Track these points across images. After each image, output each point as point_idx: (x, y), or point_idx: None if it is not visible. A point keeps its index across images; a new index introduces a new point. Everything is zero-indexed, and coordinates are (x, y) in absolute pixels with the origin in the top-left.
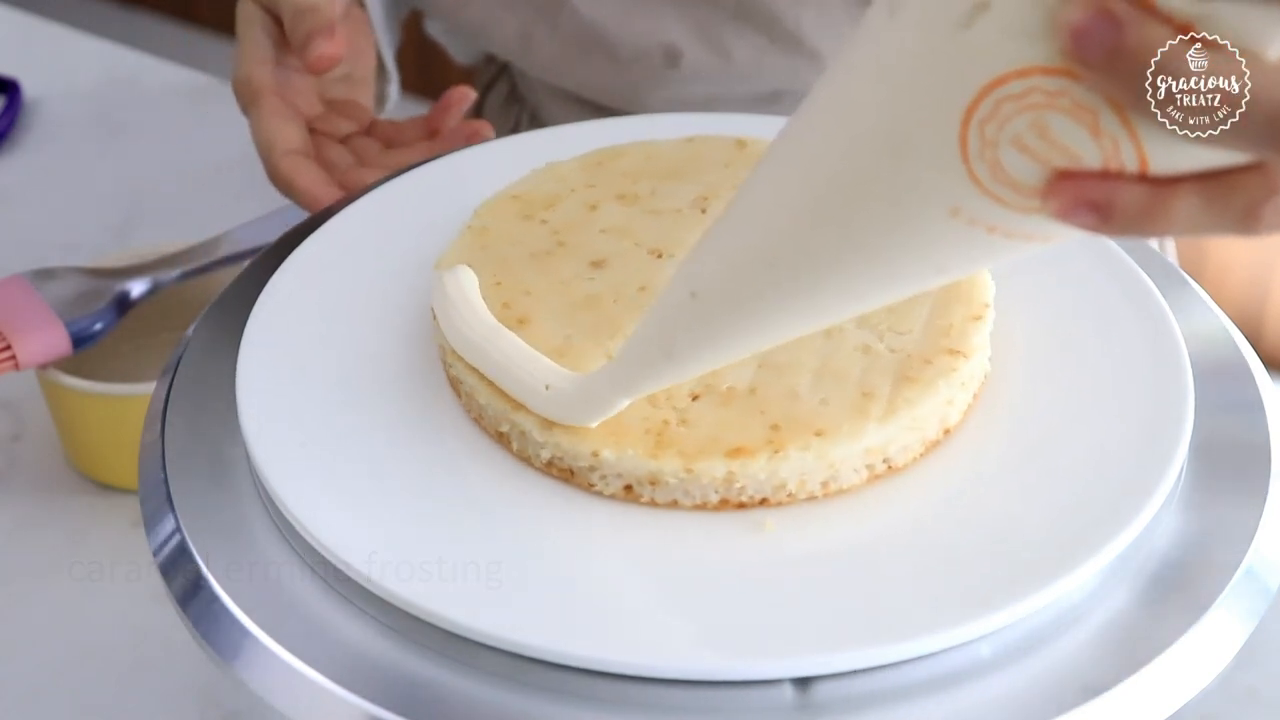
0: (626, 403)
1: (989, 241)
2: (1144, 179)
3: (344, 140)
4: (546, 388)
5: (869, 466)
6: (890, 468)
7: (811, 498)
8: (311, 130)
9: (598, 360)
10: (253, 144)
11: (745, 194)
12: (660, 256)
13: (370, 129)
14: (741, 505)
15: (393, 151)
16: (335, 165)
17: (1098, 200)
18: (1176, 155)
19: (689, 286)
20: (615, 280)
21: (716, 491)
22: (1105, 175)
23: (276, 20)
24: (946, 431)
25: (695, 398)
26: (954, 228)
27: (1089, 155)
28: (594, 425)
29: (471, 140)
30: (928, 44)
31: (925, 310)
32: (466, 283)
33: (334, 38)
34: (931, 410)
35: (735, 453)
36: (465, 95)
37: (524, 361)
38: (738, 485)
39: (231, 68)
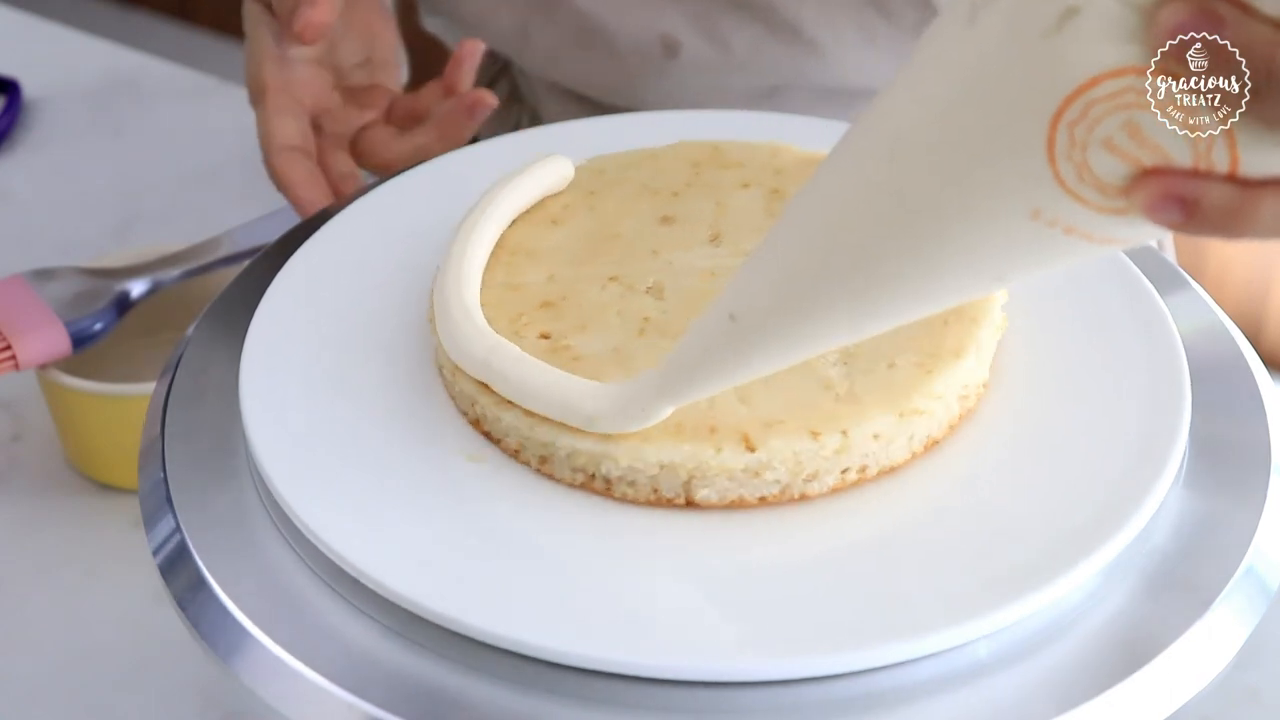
0: (670, 410)
1: (1064, 244)
2: (1233, 179)
3: (357, 134)
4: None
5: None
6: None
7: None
8: (320, 129)
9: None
10: (255, 144)
11: (801, 204)
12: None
13: (391, 110)
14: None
15: (404, 137)
16: (332, 169)
17: (1185, 196)
18: (1270, 156)
19: (746, 293)
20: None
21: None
22: (1194, 173)
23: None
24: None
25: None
26: (1032, 230)
27: (1180, 154)
28: (634, 430)
29: (474, 111)
30: (1013, 50)
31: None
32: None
33: (318, 4)
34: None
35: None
36: (476, 47)
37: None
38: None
39: (244, 68)
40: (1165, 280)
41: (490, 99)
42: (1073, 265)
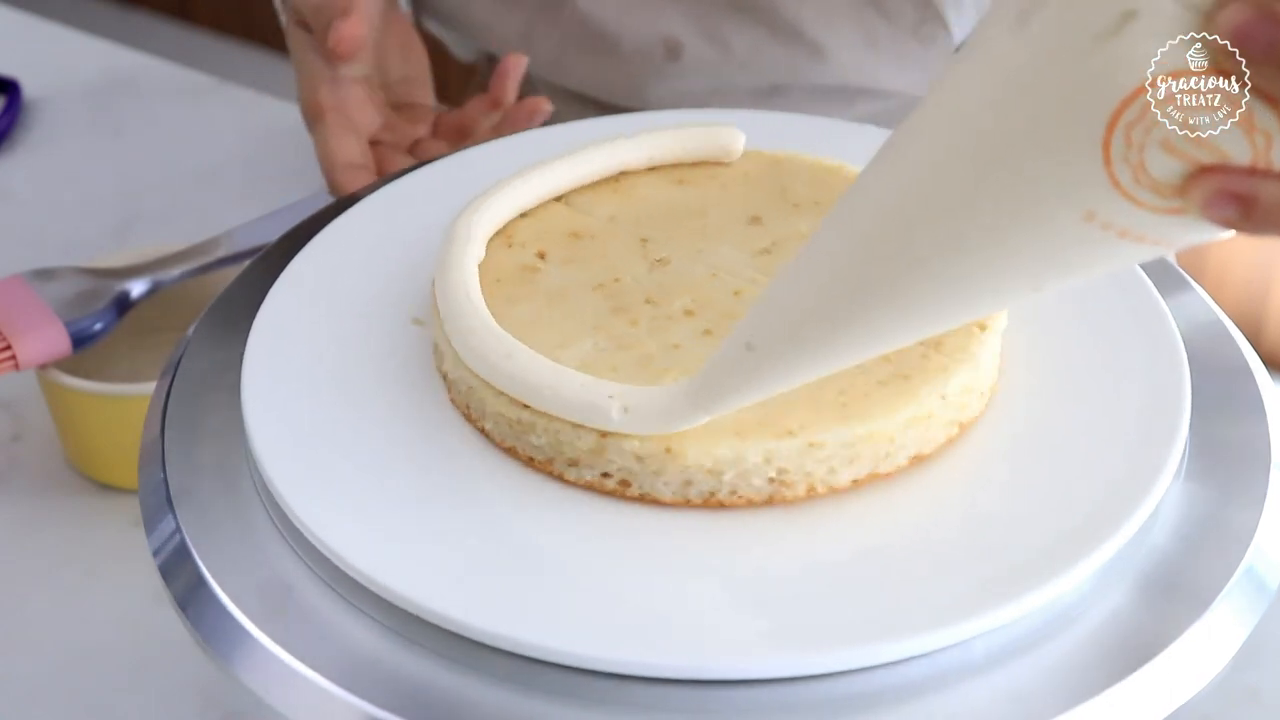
0: (707, 419)
1: (1116, 246)
2: None
3: (412, 147)
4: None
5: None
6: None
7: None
8: (377, 143)
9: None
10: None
11: (838, 216)
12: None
13: (437, 125)
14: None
15: (460, 143)
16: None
17: (1242, 193)
18: None
19: (786, 303)
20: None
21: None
22: (1252, 171)
23: None
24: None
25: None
26: (1084, 232)
27: (1239, 152)
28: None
29: (533, 117)
30: (1068, 54)
31: None
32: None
33: (350, 16)
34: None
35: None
36: (519, 62)
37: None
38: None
39: (297, 98)
40: (1165, 280)
41: (546, 105)
42: (1121, 267)
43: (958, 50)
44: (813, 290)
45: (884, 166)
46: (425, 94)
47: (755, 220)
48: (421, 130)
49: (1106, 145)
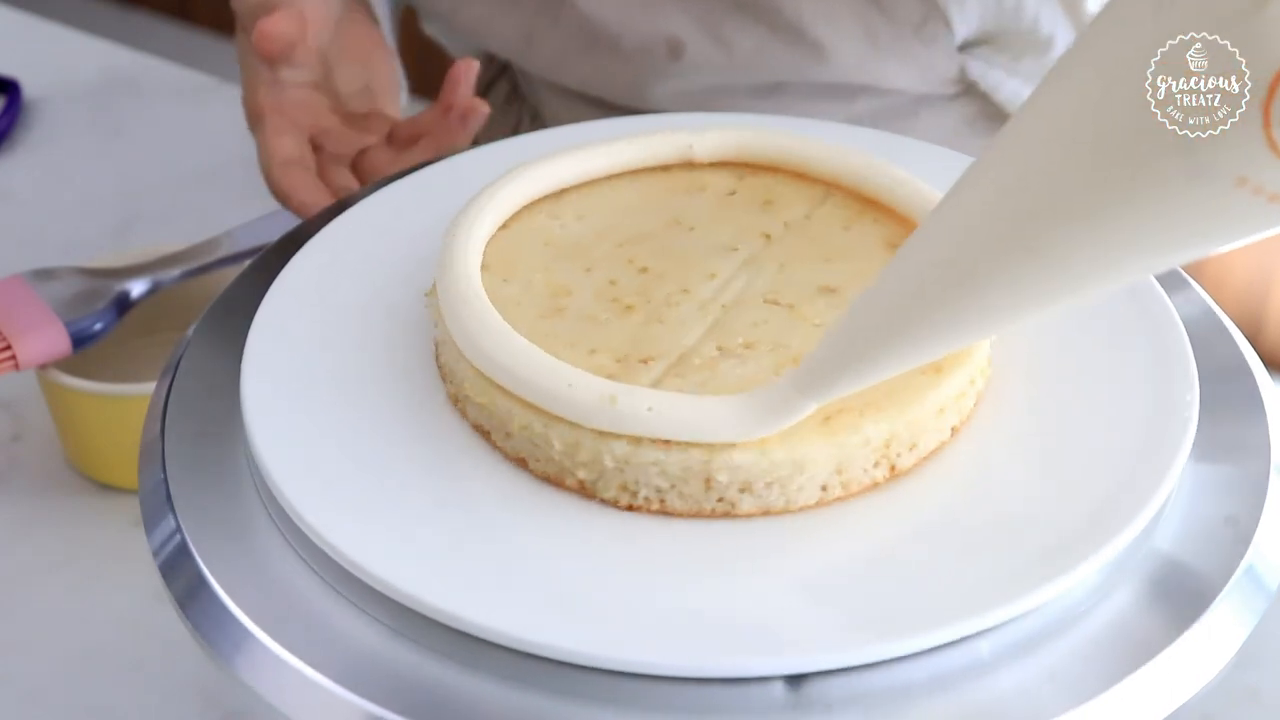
0: (815, 408)
1: (1266, 212)
2: None
3: (358, 156)
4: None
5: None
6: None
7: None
8: (320, 149)
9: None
10: (254, 144)
11: (967, 189)
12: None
13: (390, 134)
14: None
15: (402, 155)
16: (333, 183)
17: None
18: None
19: (907, 286)
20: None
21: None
22: None
23: None
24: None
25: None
26: (1235, 198)
27: None
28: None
29: (466, 119)
30: (1218, 26)
31: None
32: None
33: (273, 13)
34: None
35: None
36: (470, 66)
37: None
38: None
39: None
40: (1165, 280)
41: (483, 107)
42: (1263, 234)
43: (1074, 45)
44: (932, 270)
45: (1010, 143)
46: (390, 103)
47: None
48: (370, 139)
49: (1267, 110)
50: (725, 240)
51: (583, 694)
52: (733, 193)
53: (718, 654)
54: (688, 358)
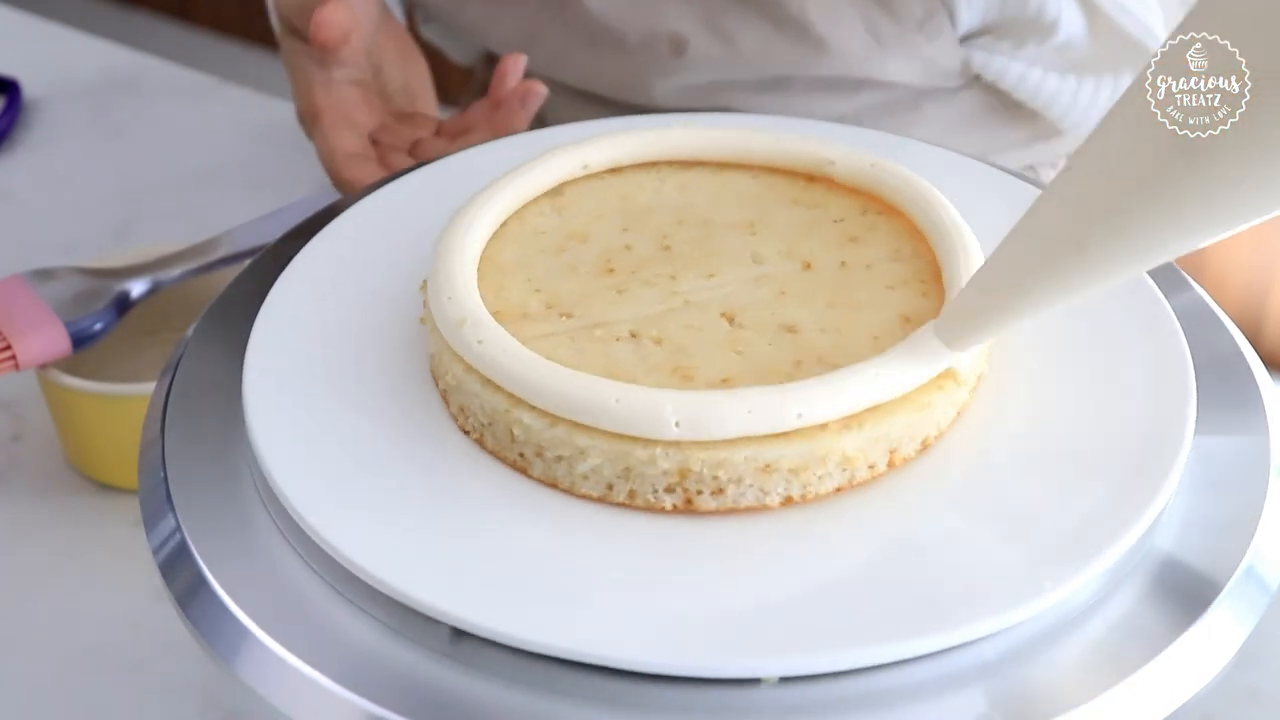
0: (959, 357)
1: None
2: None
3: (412, 148)
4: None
5: (871, 466)
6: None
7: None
8: (376, 143)
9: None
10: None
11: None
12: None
13: (440, 129)
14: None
15: (460, 140)
16: (399, 168)
17: None
18: None
19: (1071, 237)
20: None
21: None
22: None
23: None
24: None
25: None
26: None
27: None
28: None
29: (526, 100)
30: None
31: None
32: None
33: (327, 4)
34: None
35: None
36: (518, 60)
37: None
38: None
39: (293, 104)
40: (1165, 280)
41: (540, 87)
42: None
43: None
44: (1077, 209)
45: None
46: (428, 104)
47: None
48: (422, 133)
49: None
50: (753, 250)
51: (584, 693)
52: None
53: (717, 654)
54: (608, 326)
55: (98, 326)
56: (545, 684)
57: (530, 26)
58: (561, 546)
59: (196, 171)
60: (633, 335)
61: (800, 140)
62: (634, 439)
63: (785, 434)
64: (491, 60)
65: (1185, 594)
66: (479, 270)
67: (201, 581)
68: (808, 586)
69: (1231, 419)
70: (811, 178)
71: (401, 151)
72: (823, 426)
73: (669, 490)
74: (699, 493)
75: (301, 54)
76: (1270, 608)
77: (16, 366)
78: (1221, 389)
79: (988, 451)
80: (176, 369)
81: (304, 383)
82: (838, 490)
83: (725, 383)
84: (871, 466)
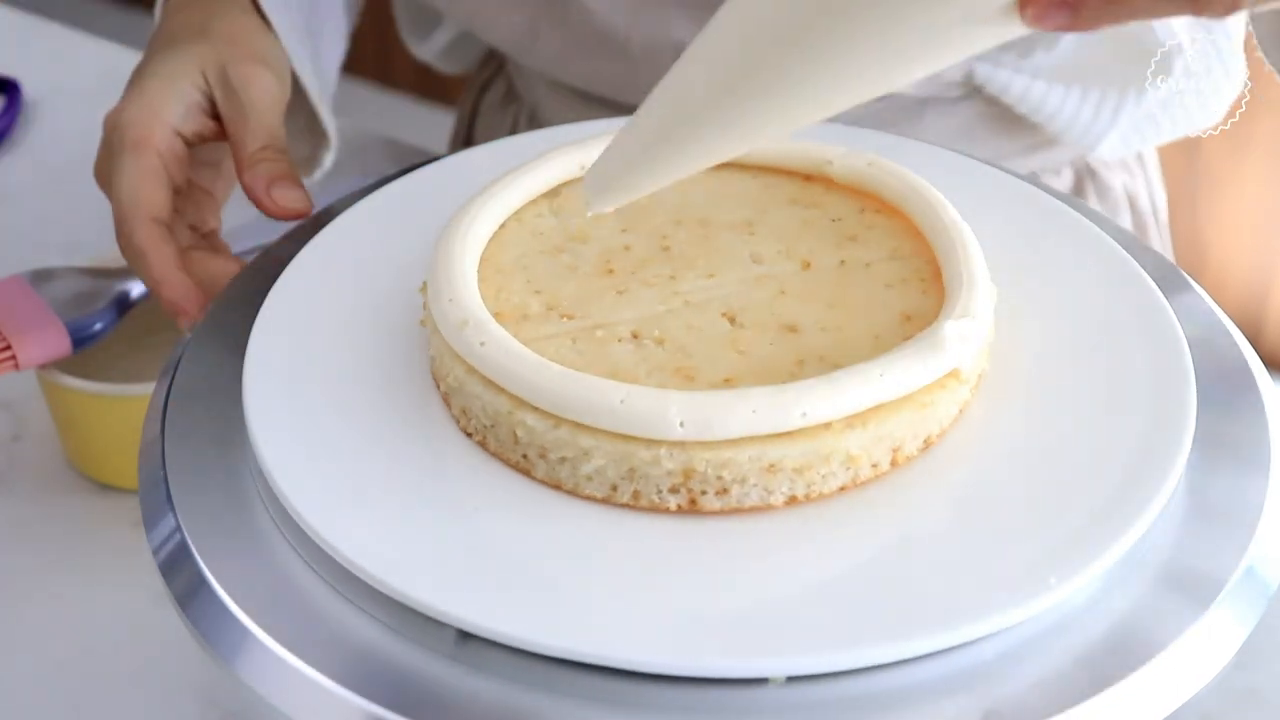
0: (607, 208)
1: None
2: None
3: (192, 227)
4: None
5: (874, 465)
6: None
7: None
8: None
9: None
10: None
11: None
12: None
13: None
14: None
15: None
16: (184, 241)
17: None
18: None
19: (693, 76)
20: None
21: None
22: None
23: (210, 100)
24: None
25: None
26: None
27: None
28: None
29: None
30: None
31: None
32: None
33: (301, 189)
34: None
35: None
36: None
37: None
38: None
39: (119, 102)
40: (1166, 281)
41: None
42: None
43: None
44: (707, 70)
45: None
46: (218, 198)
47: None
48: (197, 218)
49: None
50: (752, 249)
51: (583, 693)
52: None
53: (716, 654)
54: (609, 327)
55: (98, 326)
56: (547, 684)
57: (532, 24)
58: (565, 548)
59: None
60: (634, 336)
61: (798, 140)
62: (638, 439)
63: (789, 433)
64: (488, 61)
65: (1185, 594)
66: (479, 272)
67: (201, 581)
68: (811, 587)
69: (1231, 419)
70: (809, 177)
71: (185, 224)
72: (826, 426)
73: (673, 491)
74: (703, 493)
75: (189, 83)
76: (1270, 608)
77: (16, 366)
78: (1221, 389)
79: (989, 450)
80: (176, 369)
81: (304, 383)
82: (841, 489)
83: (728, 383)
84: (874, 465)
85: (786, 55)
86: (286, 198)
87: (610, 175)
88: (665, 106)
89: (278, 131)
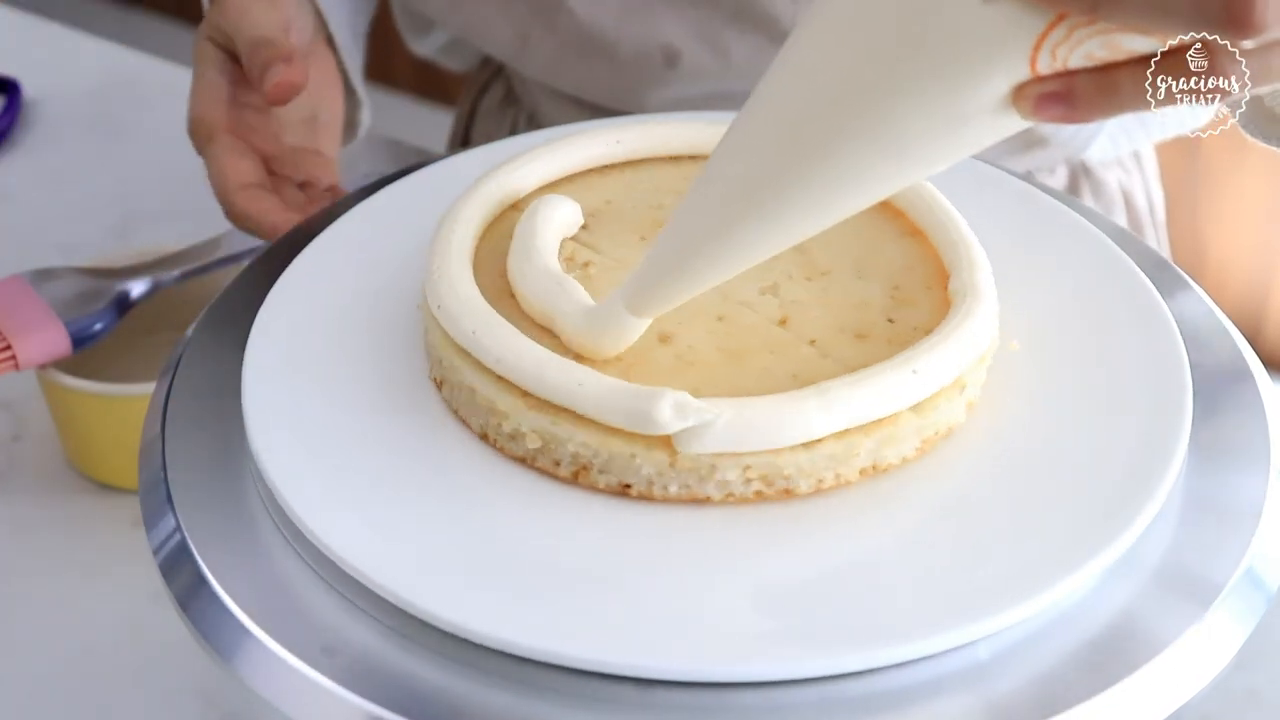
0: (644, 325)
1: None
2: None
3: (303, 184)
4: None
5: (873, 466)
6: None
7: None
8: (270, 172)
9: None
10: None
11: (766, 97)
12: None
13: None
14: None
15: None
16: (292, 203)
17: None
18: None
19: (714, 193)
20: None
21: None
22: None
23: (233, 58)
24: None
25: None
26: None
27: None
28: (612, 354)
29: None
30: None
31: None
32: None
33: (293, 64)
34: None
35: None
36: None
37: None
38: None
39: (187, 107)
40: (1165, 281)
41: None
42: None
43: None
44: (736, 183)
45: (799, 55)
46: (330, 143)
47: None
48: (318, 172)
49: (1034, 60)
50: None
51: (582, 696)
52: None
53: (716, 657)
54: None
55: (98, 326)
56: (546, 685)
57: (523, 32)
58: (564, 550)
59: (196, 171)
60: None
61: None
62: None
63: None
64: (488, 63)
65: (1185, 594)
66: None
67: (201, 581)
68: (805, 588)
69: (1231, 419)
70: None
71: (293, 185)
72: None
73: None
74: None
75: (215, 64)
76: (1270, 608)
77: (16, 366)
78: (1221, 390)
79: (988, 452)
80: (176, 369)
81: (304, 383)
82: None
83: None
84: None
85: (790, 167)
86: (276, 78)
87: (647, 290)
88: (689, 226)
89: (269, 34)
